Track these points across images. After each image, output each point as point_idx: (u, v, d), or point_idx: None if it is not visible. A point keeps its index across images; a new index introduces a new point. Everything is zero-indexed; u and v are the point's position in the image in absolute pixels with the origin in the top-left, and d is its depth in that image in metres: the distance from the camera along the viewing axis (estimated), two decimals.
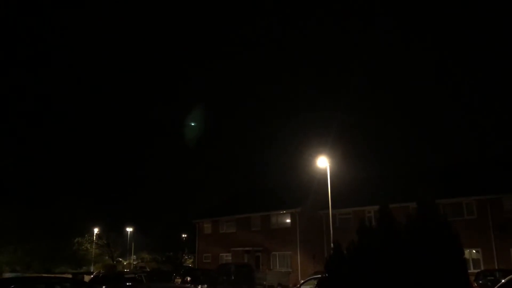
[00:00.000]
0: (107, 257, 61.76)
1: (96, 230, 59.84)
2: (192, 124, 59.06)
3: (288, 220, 37.30)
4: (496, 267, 26.27)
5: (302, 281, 24.65)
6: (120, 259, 65.44)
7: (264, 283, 31.72)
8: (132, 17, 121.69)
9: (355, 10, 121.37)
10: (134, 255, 64.79)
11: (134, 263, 62.93)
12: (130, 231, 61.28)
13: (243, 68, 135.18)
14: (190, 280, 31.00)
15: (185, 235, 64.44)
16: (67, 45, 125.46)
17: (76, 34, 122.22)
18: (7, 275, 44.61)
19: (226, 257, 40.89)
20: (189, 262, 59.54)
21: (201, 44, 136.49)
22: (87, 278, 38.62)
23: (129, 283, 23.78)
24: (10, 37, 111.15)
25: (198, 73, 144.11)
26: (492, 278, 22.96)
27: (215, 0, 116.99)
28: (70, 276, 40.44)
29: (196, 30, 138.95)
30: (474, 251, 28.68)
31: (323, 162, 27.25)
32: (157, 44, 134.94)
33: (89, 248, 60.06)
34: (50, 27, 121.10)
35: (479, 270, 25.60)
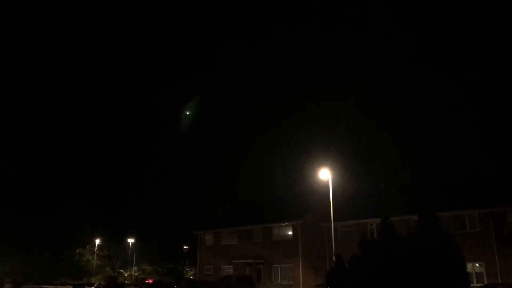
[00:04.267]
0: (108, 268, 61.47)
1: (97, 241, 59.67)
2: (187, 112, 59.37)
3: (290, 232, 37.17)
4: (499, 281, 26.08)
5: None
6: (121, 271, 65.11)
7: None
8: (135, 16, 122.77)
9: (357, 20, 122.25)
10: (135, 266, 64.46)
11: (135, 274, 62.61)
12: (131, 242, 61.10)
13: (244, 78, 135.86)
14: None
15: (186, 247, 64.15)
16: (65, 46, 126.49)
17: (75, 32, 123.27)
18: (7, 286, 44.50)
19: (228, 269, 40.69)
20: (190, 274, 59.16)
21: (204, 55, 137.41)
22: None
23: None
24: (10, 38, 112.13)
25: (198, 78, 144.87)
26: None
27: (221, 4, 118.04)
28: (71, 287, 40.36)
29: (202, 35, 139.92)
30: (477, 264, 28.45)
31: (325, 174, 27.19)
32: (165, 49, 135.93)
33: (90, 259, 59.85)
34: (50, 24, 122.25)
35: (482, 284, 25.41)
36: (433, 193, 32.17)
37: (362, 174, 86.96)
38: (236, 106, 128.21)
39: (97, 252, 60.25)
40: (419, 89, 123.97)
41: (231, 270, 39.67)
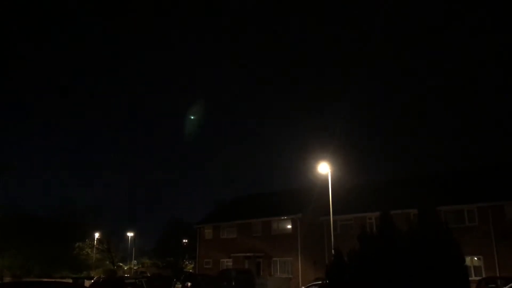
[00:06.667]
0: (107, 262, 61.67)
1: (97, 235, 59.81)
2: (192, 117, 59.71)
3: (289, 226, 37.25)
4: (498, 275, 26.16)
5: (303, 287, 24.61)
6: (121, 264, 65.36)
7: None
8: (137, 16, 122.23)
9: (357, 16, 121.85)
10: (134, 260, 64.70)
11: (135, 268, 62.82)
12: (131, 236, 61.25)
13: (244, 73, 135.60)
14: (190, 286, 30.92)
15: (186, 241, 64.33)
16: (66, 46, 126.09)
17: (78, 34, 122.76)
18: (7, 279, 44.58)
19: (227, 262, 40.81)
20: (189, 268, 59.38)
21: (205, 49, 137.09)
22: (87, 283, 38.57)
23: None
24: (9, 39, 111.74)
25: (201, 76, 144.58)
26: (494, 285, 22.88)
27: (220, 6, 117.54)
28: (70, 280, 40.42)
29: (202, 33, 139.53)
30: (475, 258, 28.55)
31: (324, 168, 27.15)
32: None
33: (89, 253, 60.01)
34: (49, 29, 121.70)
35: (480, 278, 25.48)
36: (432, 187, 32.24)
37: (361, 168, 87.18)
38: (235, 101, 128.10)
39: (97, 246, 60.40)
40: (419, 83, 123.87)
41: (231, 264, 39.80)
